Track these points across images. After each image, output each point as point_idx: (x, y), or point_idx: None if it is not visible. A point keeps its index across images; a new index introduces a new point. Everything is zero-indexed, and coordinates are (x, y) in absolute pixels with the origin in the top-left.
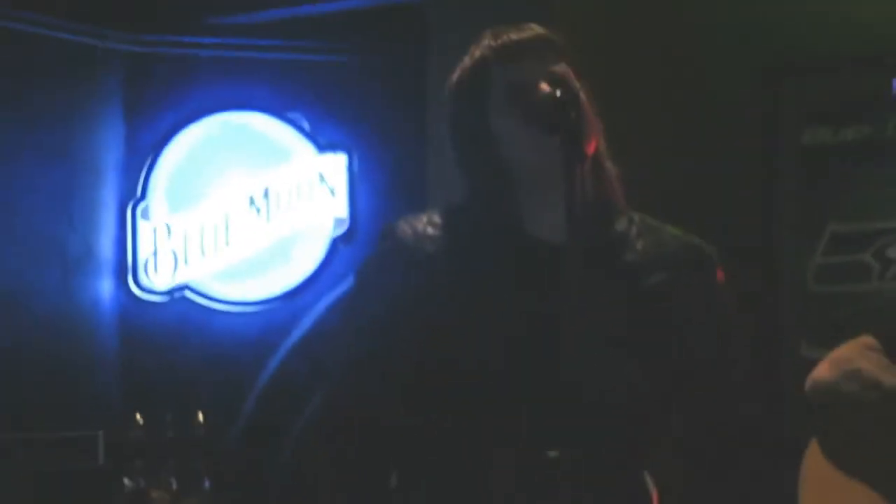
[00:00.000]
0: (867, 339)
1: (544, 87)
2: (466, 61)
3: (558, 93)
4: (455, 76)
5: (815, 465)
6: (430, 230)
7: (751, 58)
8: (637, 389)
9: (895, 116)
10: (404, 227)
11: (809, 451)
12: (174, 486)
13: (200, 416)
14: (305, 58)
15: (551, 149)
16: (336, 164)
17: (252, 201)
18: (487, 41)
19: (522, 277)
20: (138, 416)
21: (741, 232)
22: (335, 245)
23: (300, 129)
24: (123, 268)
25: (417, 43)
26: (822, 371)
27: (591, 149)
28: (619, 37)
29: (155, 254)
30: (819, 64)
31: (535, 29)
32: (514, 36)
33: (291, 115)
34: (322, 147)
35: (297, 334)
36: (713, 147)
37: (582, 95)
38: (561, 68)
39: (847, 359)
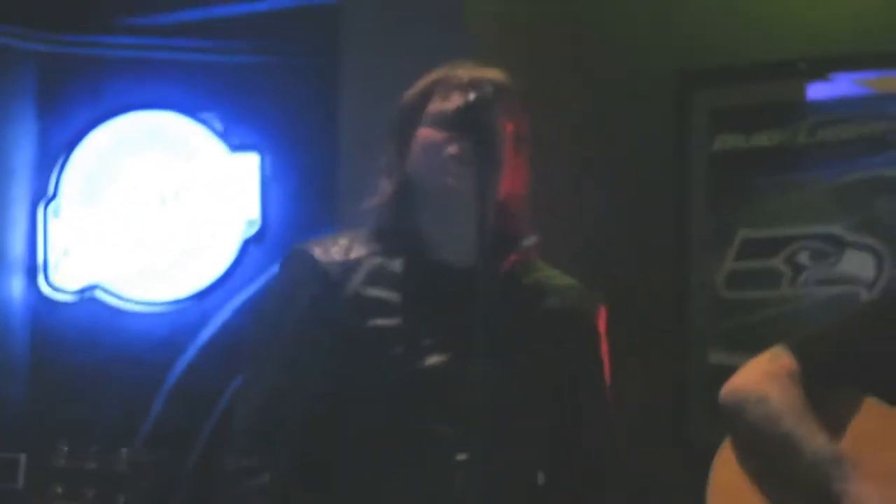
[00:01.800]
0: (786, 360)
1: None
2: (417, 84)
3: (471, 95)
4: (404, 96)
5: (723, 468)
6: (336, 251)
7: (661, 63)
8: (531, 403)
9: (807, 122)
10: (314, 248)
11: (719, 455)
12: None
13: (124, 452)
14: (219, 59)
15: (462, 167)
16: (248, 165)
17: (163, 201)
18: (442, 70)
19: (427, 298)
20: (64, 446)
21: (651, 238)
22: (246, 246)
23: (212, 129)
24: (34, 266)
25: (331, 45)
26: (737, 383)
27: (510, 184)
28: (529, 43)
29: (66, 253)
30: (731, 69)
31: (492, 72)
32: (467, 75)
33: (204, 115)
34: (234, 147)
35: (206, 335)
36: (624, 153)
37: (510, 125)
38: (487, 79)
39: (761, 382)
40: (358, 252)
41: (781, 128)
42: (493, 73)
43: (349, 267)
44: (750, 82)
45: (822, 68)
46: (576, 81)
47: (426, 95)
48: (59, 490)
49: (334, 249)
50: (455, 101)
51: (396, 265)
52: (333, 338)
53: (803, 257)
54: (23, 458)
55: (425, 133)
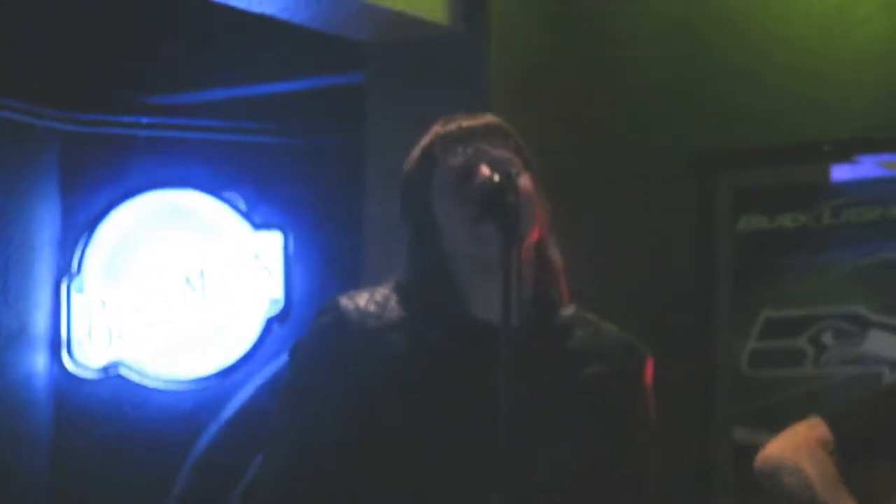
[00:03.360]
0: (821, 430)
1: (484, 170)
2: (417, 148)
3: (496, 177)
4: (406, 162)
5: None
6: (372, 307)
7: (685, 143)
8: (571, 473)
9: (831, 204)
10: (346, 303)
11: None
12: None
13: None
14: (242, 138)
15: (490, 232)
16: (271, 244)
17: (187, 279)
18: (436, 127)
19: (464, 357)
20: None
21: (676, 317)
22: (269, 325)
23: (236, 208)
24: (58, 343)
25: (355, 125)
26: (773, 451)
27: (534, 235)
28: (552, 128)
29: (90, 330)
30: (755, 150)
31: (486, 117)
32: (462, 123)
33: (227, 194)
34: (258, 226)
35: (229, 412)
36: (647, 233)
37: (525, 181)
38: (503, 153)
39: (796, 451)
40: (394, 309)
41: (805, 209)
42: (485, 118)
43: (380, 315)
44: (774, 163)
45: (846, 150)
46: (598, 162)
47: (430, 160)
48: None
49: (364, 301)
50: (465, 164)
51: (432, 318)
52: (362, 399)
53: (827, 337)
54: None
55: (446, 209)
